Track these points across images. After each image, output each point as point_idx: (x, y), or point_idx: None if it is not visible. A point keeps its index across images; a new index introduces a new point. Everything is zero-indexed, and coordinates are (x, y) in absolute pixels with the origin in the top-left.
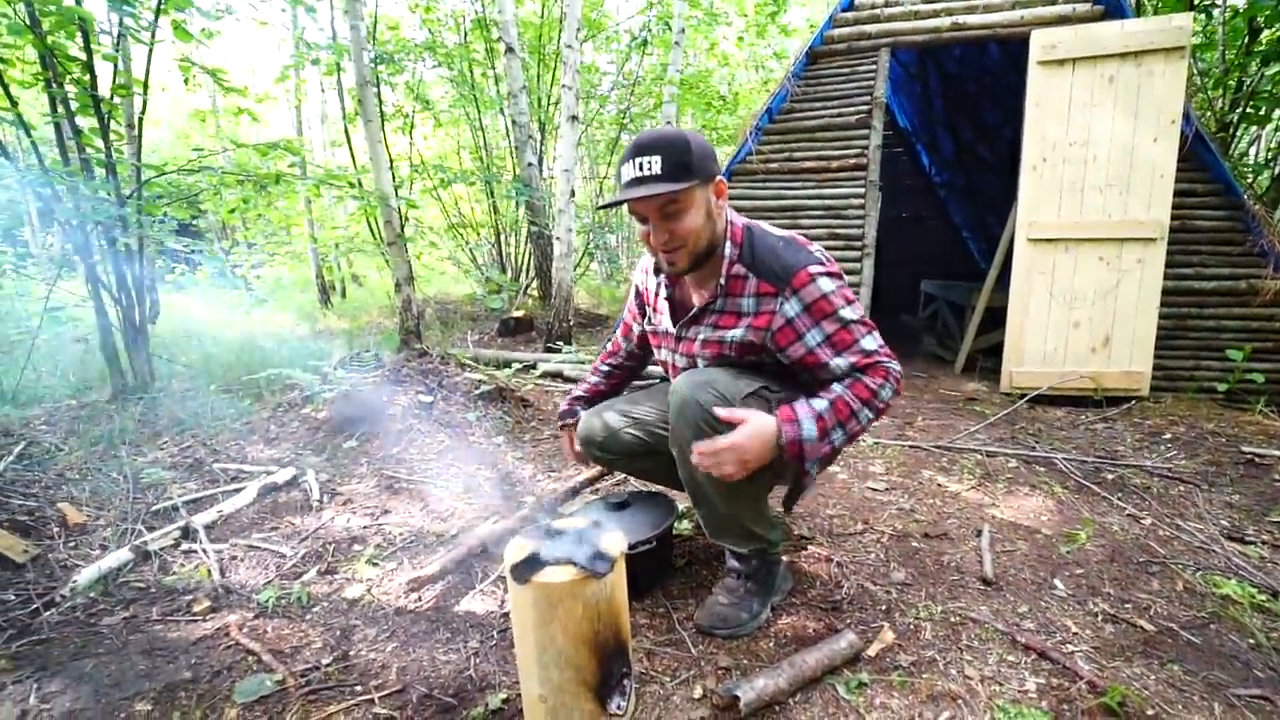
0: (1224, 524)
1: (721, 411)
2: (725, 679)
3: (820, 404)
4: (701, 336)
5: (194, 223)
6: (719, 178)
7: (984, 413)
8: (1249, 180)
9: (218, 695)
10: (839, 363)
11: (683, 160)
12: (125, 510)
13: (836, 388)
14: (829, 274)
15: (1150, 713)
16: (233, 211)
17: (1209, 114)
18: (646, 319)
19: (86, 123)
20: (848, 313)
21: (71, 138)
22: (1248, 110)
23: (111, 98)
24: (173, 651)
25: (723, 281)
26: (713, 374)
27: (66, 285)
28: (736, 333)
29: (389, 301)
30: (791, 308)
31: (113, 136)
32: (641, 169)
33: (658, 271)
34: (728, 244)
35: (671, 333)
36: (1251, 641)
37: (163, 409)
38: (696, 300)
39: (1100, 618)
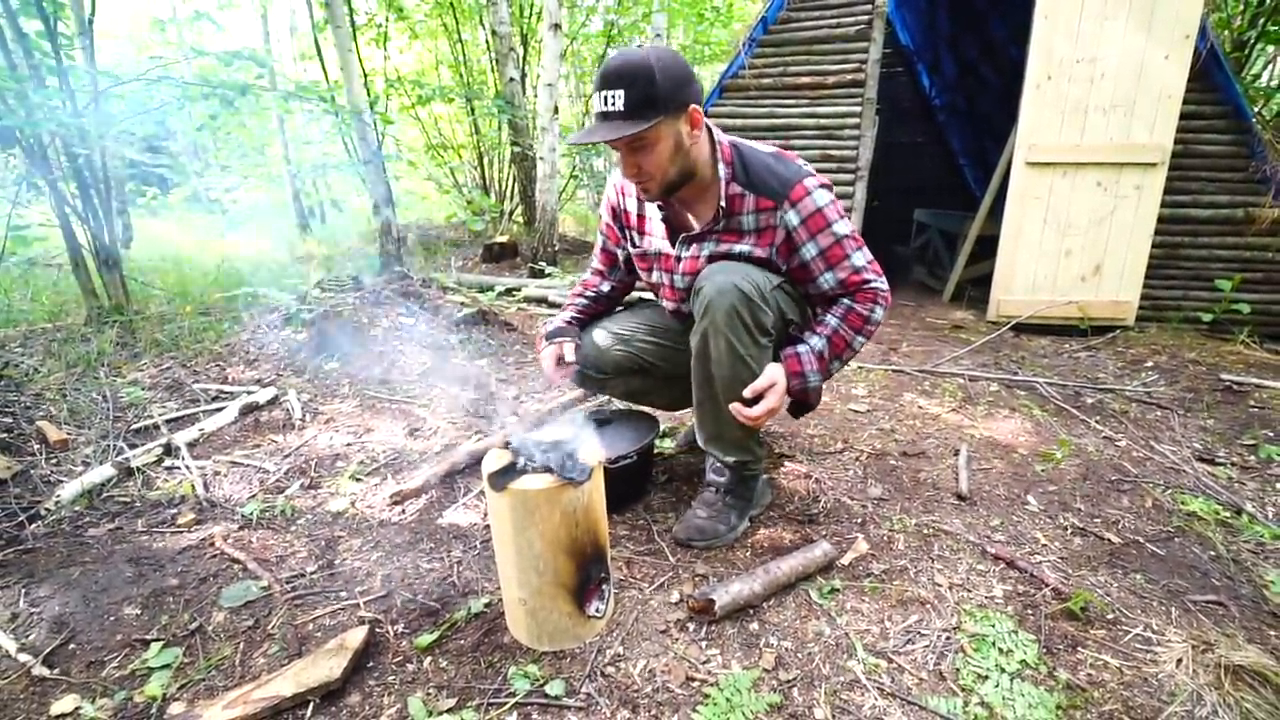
0: (1197, 446)
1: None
2: (702, 585)
3: (818, 343)
4: (706, 253)
5: (165, 144)
6: (693, 107)
7: (969, 340)
8: (1259, 104)
9: (204, 600)
10: (829, 278)
11: (647, 94)
12: (106, 429)
13: (832, 320)
14: (823, 185)
15: (1110, 617)
16: (200, 129)
17: (1226, 32)
18: (631, 241)
19: (32, 27)
20: (840, 227)
21: (16, 41)
22: (1268, 28)
23: None
24: (159, 560)
25: (723, 204)
26: (745, 266)
27: (39, 208)
28: (743, 247)
29: (370, 227)
30: (790, 219)
31: (62, 42)
32: (606, 103)
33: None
34: (720, 165)
35: (668, 253)
36: (1212, 554)
37: (140, 331)
38: (695, 223)
39: (1069, 531)
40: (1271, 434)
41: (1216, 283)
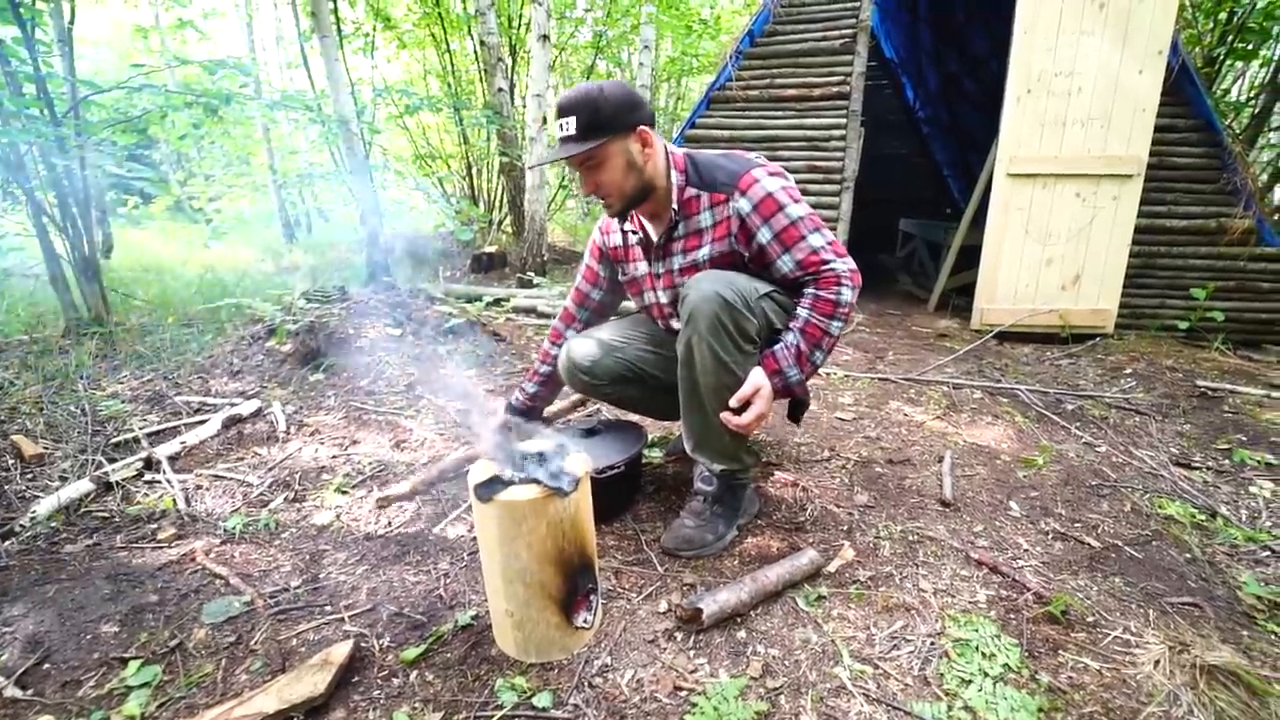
0: (1173, 451)
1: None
2: (690, 594)
3: (792, 337)
4: (676, 265)
5: (146, 153)
6: (641, 128)
7: (954, 348)
8: (1229, 118)
9: (185, 617)
10: (786, 260)
11: (594, 120)
12: (84, 443)
13: (801, 312)
14: (772, 174)
15: (1090, 620)
16: (183, 138)
17: (1197, 48)
18: (621, 272)
19: (8, 32)
20: (795, 209)
21: None
22: (1236, 45)
23: (33, 2)
24: (138, 577)
25: (676, 207)
26: (732, 274)
27: (15, 217)
28: (704, 250)
29: (357, 237)
30: (742, 208)
31: (40, 49)
32: (562, 129)
33: (622, 222)
34: (673, 173)
35: (649, 273)
36: (1188, 556)
37: (120, 343)
38: (655, 234)
39: (1051, 536)
40: (1245, 439)
41: (1191, 291)
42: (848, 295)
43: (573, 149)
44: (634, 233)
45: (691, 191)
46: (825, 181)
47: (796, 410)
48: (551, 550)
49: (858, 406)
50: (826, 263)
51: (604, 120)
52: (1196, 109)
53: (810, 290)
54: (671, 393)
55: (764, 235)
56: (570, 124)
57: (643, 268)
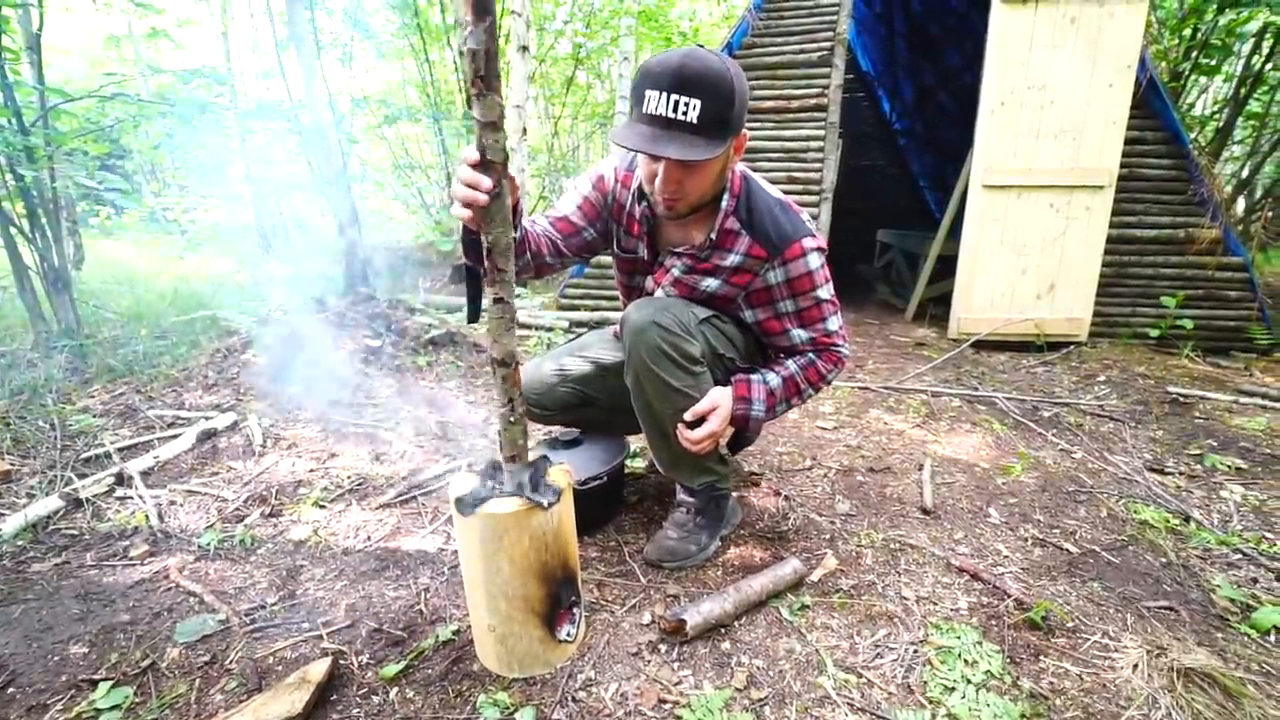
0: (1147, 457)
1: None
2: (673, 605)
3: (774, 380)
4: (675, 274)
5: (119, 162)
6: (744, 131)
7: (931, 357)
8: (1195, 131)
9: (158, 636)
10: (800, 334)
11: (723, 114)
12: (53, 458)
13: (792, 365)
14: (818, 249)
15: (1070, 625)
16: (157, 147)
17: (1164, 63)
18: (617, 240)
19: None
20: (823, 292)
21: None
22: (1200, 61)
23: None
24: (109, 595)
25: (714, 236)
26: (666, 301)
27: None
28: (712, 283)
29: (335, 248)
30: (775, 275)
31: (8, 56)
32: (676, 110)
33: (641, 198)
34: (726, 194)
35: (644, 258)
36: (1164, 560)
37: (92, 356)
38: (678, 237)
39: (1030, 542)
40: (1215, 444)
41: (1162, 300)
42: (834, 376)
43: (695, 150)
44: (648, 218)
45: (734, 225)
46: (804, 192)
47: (738, 444)
48: (534, 563)
49: (838, 415)
50: (835, 345)
51: (734, 116)
52: (1164, 122)
53: (811, 354)
54: (625, 412)
55: (786, 306)
56: (693, 108)
57: (642, 250)
